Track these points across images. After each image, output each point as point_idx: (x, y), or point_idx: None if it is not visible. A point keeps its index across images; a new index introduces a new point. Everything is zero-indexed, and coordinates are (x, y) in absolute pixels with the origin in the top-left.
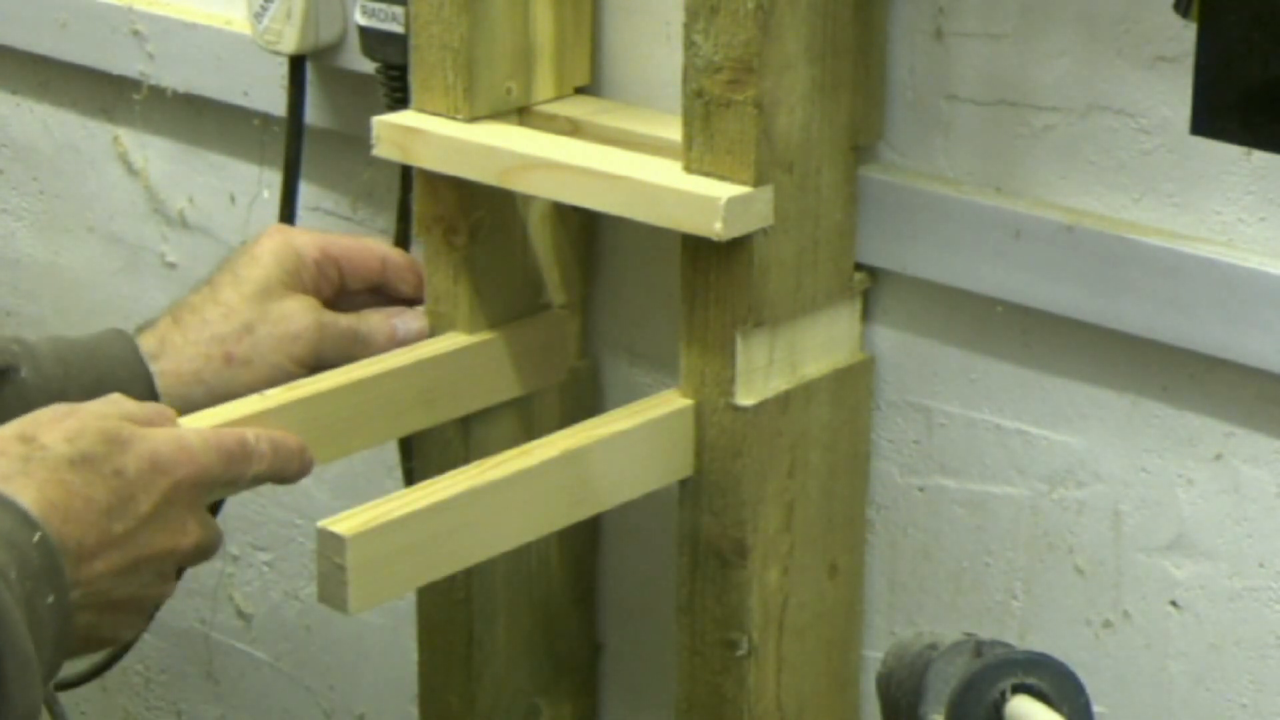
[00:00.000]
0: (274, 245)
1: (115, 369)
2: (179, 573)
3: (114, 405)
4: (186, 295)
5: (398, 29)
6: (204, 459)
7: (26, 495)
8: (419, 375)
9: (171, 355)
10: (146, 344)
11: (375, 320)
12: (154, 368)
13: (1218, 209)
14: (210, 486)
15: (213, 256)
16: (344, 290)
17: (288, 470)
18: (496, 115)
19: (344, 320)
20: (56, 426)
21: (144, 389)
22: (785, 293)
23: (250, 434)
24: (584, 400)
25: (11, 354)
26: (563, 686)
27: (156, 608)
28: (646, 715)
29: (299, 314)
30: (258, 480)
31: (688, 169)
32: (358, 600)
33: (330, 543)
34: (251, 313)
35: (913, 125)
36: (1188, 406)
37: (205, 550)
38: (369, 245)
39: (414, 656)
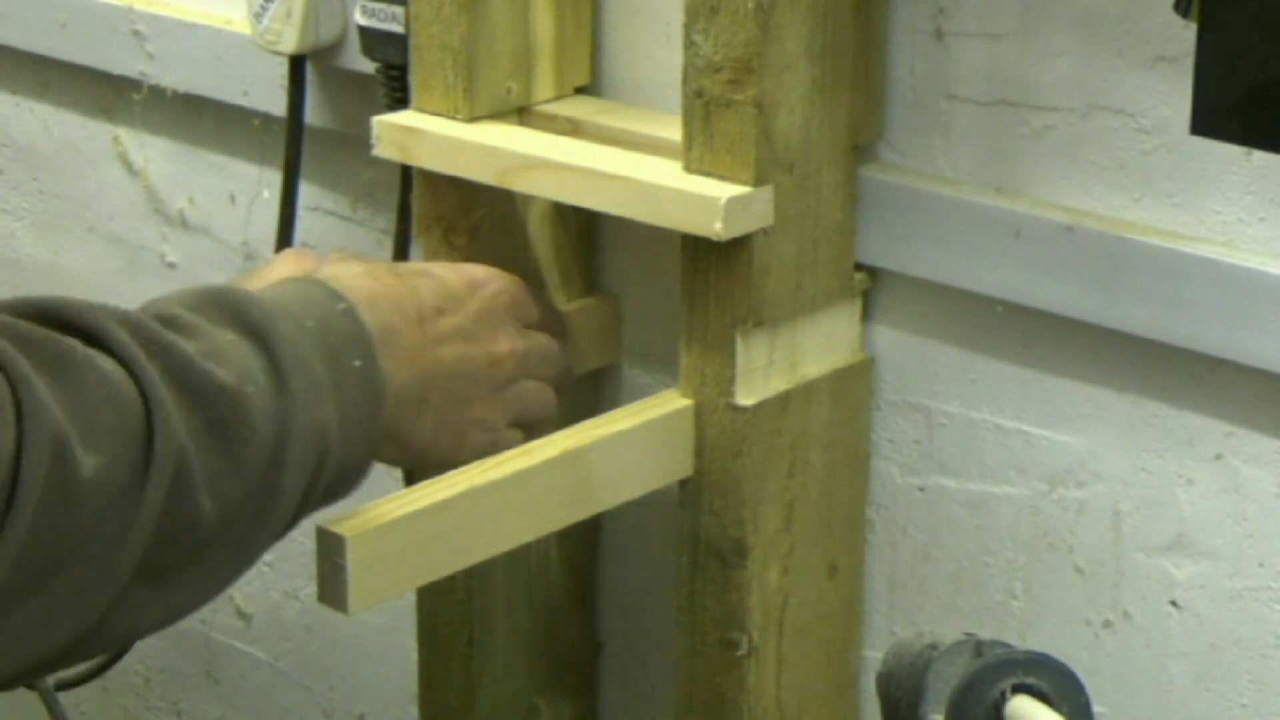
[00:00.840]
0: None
1: None
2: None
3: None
4: None
5: (398, 29)
6: (513, 281)
7: (346, 282)
8: None
9: None
10: None
11: None
12: None
13: (1218, 209)
14: (518, 308)
15: (213, 256)
16: None
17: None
18: (496, 115)
19: None
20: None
21: None
22: (785, 293)
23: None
24: (584, 400)
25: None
26: (563, 686)
27: (494, 444)
28: (646, 715)
29: None
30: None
31: (688, 169)
32: (358, 600)
33: (330, 543)
34: None
35: (913, 125)
36: (1188, 406)
37: (527, 359)
38: None
39: (414, 656)
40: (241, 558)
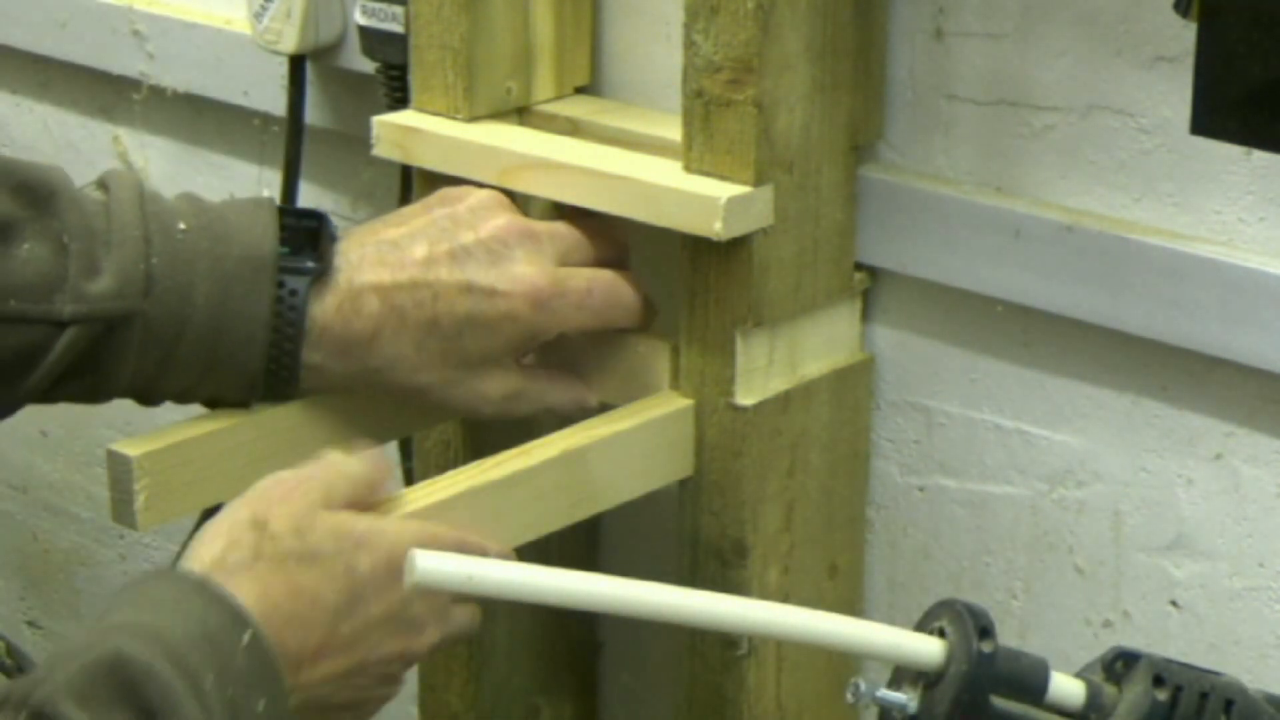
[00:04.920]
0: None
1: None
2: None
3: (338, 476)
4: None
5: (398, 29)
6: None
7: (249, 594)
8: None
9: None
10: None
11: None
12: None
13: (1218, 209)
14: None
15: None
16: None
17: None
18: (496, 115)
19: None
20: (284, 511)
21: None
22: (785, 292)
23: (492, 547)
24: None
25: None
26: (563, 686)
27: (378, 708)
28: (646, 715)
29: None
30: None
31: (688, 169)
32: None
33: None
34: None
35: (913, 125)
36: (1188, 406)
37: (447, 646)
38: None
39: None
40: None
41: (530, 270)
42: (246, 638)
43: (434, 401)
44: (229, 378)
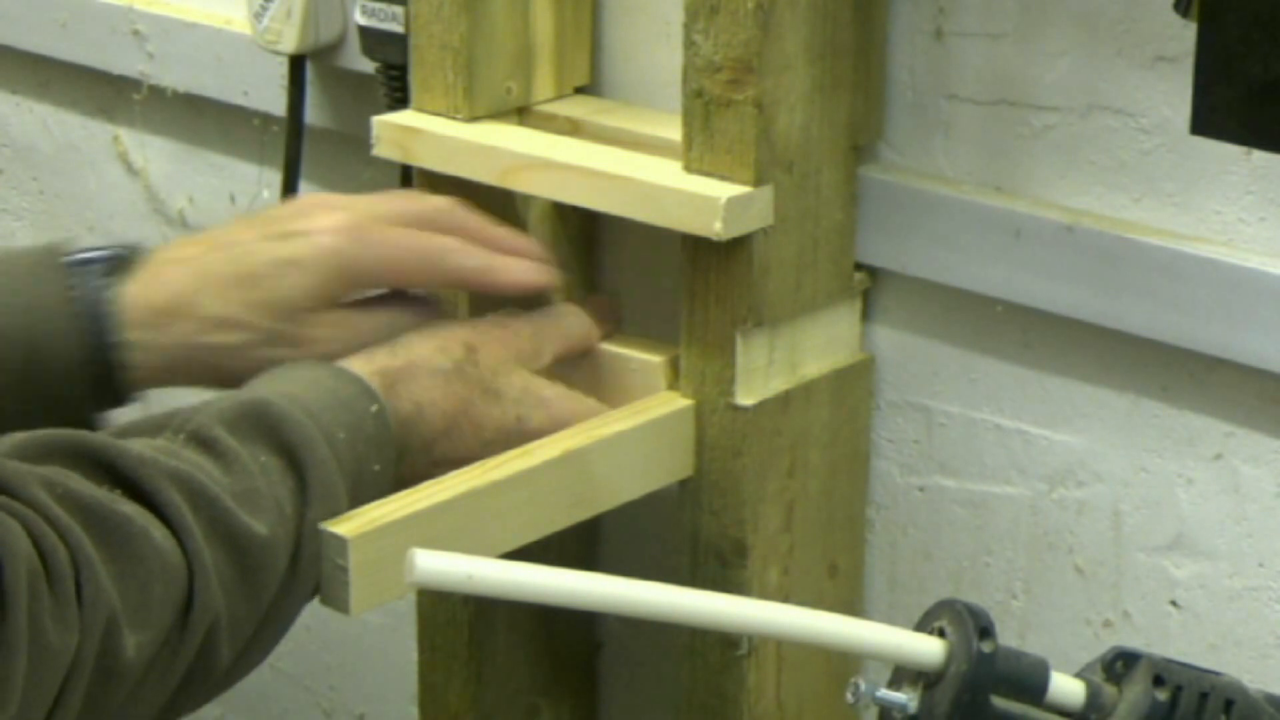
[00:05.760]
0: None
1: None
2: None
3: (554, 332)
4: None
5: (398, 29)
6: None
7: (434, 394)
8: None
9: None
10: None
11: None
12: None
13: (1218, 209)
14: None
15: None
16: None
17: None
18: (496, 115)
19: None
20: (495, 351)
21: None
22: (785, 293)
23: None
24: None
25: None
26: (563, 686)
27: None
28: (646, 715)
29: None
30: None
31: (688, 169)
32: (359, 601)
33: (332, 544)
34: None
35: (913, 125)
36: (1188, 406)
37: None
38: None
39: (414, 656)
40: (240, 678)
41: (339, 213)
42: (374, 408)
43: (261, 361)
44: (53, 379)
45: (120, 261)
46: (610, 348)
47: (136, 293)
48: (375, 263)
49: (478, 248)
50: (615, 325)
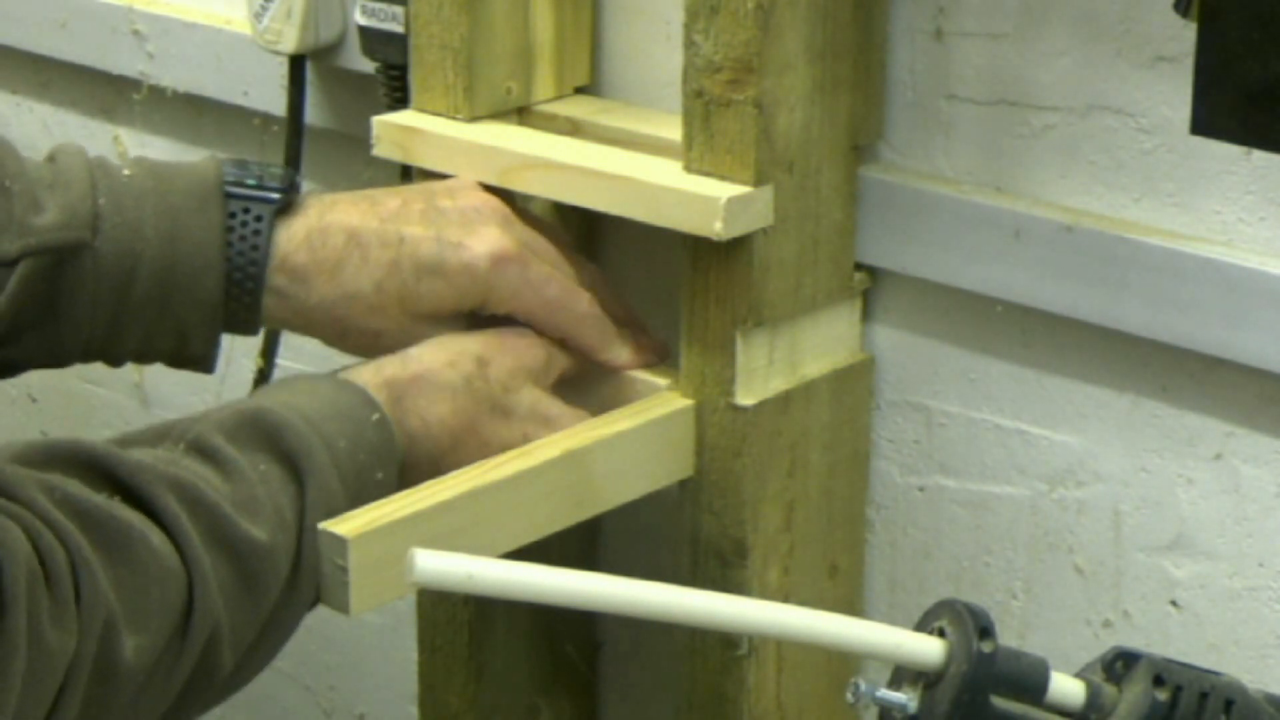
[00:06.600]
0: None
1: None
2: None
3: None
4: None
5: (398, 29)
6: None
7: (442, 408)
8: None
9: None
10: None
11: None
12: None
13: (1218, 209)
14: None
15: None
16: None
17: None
18: (496, 115)
19: None
20: (506, 364)
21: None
22: (785, 292)
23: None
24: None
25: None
26: (563, 686)
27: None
28: (646, 715)
29: None
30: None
31: (688, 169)
32: (359, 601)
33: (332, 544)
34: None
35: (913, 125)
36: (1188, 406)
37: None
38: None
39: (414, 656)
40: (244, 684)
41: (499, 233)
42: (375, 416)
43: (382, 346)
44: (188, 310)
45: (284, 201)
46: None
47: (297, 245)
48: (511, 298)
49: (604, 317)
50: (655, 363)
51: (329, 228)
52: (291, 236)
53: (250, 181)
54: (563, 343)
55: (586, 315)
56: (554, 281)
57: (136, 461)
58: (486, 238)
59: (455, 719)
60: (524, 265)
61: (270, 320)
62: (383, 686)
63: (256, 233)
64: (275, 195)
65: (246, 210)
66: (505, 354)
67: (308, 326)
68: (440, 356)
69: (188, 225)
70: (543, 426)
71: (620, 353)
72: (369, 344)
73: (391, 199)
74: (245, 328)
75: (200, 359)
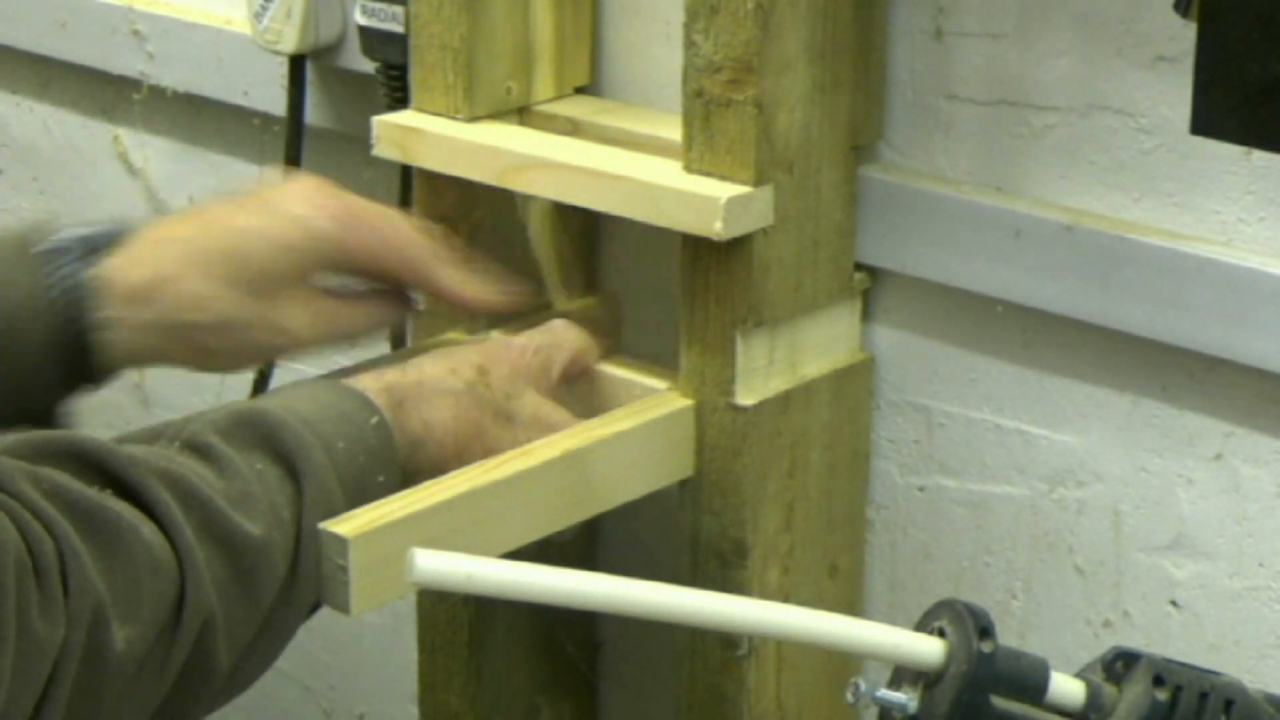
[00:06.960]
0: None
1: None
2: None
3: (558, 349)
4: None
5: (398, 29)
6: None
7: (445, 413)
8: None
9: None
10: None
11: None
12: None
13: (1218, 209)
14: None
15: None
16: None
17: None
18: (496, 115)
19: None
20: (506, 372)
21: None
22: (785, 292)
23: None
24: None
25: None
26: (563, 686)
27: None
28: (646, 715)
29: None
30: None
31: (688, 169)
32: (360, 601)
33: (332, 544)
34: None
35: (913, 125)
36: (1188, 406)
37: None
38: None
39: (414, 656)
40: (245, 686)
41: (331, 197)
42: (374, 420)
43: (240, 342)
44: (19, 354)
45: (104, 240)
46: (616, 372)
47: (119, 271)
48: (360, 249)
49: (443, 252)
50: (616, 333)
51: (150, 243)
52: (110, 266)
53: (56, 230)
54: (412, 280)
55: (443, 257)
56: (400, 230)
57: (129, 455)
58: (319, 200)
59: (455, 719)
60: (366, 217)
61: (119, 355)
62: (383, 686)
63: (78, 270)
64: (87, 232)
65: (61, 258)
66: (504, 361)
67: (163, 349)
68: (441, 364)
69: (2, 286)
70: (545, 432)
71: (486, 290)
72: (225, 345)
73: (222, 204)
74: (90, 376)
75: (43, 415)
